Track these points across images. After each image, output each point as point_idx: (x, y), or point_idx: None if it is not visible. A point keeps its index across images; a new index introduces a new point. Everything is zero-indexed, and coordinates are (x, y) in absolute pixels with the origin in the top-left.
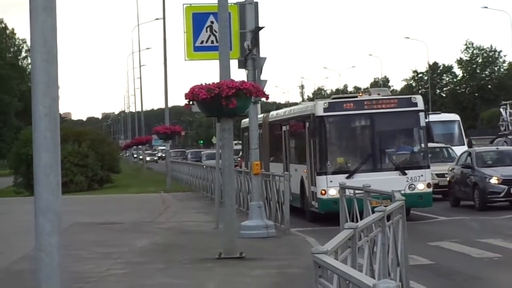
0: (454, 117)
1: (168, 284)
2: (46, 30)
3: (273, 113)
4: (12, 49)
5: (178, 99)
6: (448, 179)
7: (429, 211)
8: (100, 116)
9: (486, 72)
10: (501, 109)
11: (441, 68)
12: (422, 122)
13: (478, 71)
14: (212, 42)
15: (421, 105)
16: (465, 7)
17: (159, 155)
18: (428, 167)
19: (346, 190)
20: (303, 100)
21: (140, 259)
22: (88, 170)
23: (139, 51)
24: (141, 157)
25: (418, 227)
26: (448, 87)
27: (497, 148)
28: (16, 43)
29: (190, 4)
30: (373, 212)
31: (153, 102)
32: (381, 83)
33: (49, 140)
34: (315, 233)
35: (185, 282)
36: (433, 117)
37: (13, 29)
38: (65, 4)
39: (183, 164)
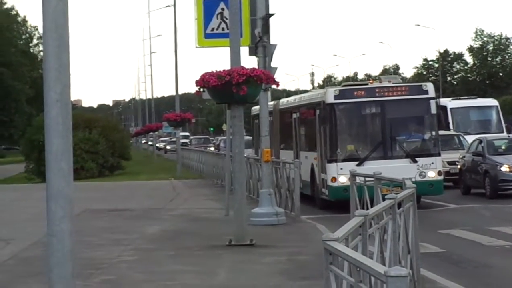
0: (492, 102)
1: (178, 271)
2: (57, 16)
3: (283, 100)
4: (23, 37)
5: (188, 87)
6: (459, 166)
7: (440, 199)
8: (111, 103)
9: (497, 60)
10: None
11: (451, 55)
12: (433, 110)
13: (489, 58)
14: (223, 29)
15: (432, 93)
16: None
17: (181, 142)
18: (439, 154)
19: (357, 177)
20: (313, 88)
21: (151, 246)
22: (99, 157)
23: (150, 38)
24: (158, 145)
25: (428, 215)
26: (459, 75)
27: (509, 136)
28: (28, 30)
29: None
30: (383, 199)
31: (164, 89)
32: (392, 71)
33: (60, 126)
34: (326, 221)
35: (195, 269)
36: (468, 102)
37: (24, 17)
38: None
39: (193, 151)
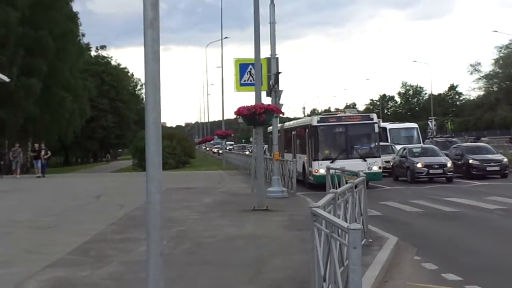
0: (414, 125)
1: (223, 224)
2: (153, 72)
3: (287, 123)
4: (132, 84)
5: (229, 115)
6: (391, 164)
7: (380, 183)
8: (183, 124)
9: (415, 100)
10: (429, 122)
11: (387, 97)
12: (377, 130)
13: (410, 99)
14: (251, 80)
15: (375, 120)
16: (402, 61)
17: (228, 148)
18: (380, 156)
19: (330, 170)
20: (304, 116)
21: (207, 209)
22: (176, 156)
23: (207, 85)
24: (213, 150)
25: (373, 193)
26: (392, 109)
27: (421, 146)
28: (134, 80)
29: (238, 58)
30: (346, 183)
31: (215, 116)
32: (351, 106)
33: (155, 138)
34: (312, 195)
35: (233, 223)
36: (400, 125)
37: (132, 73)
38: (165, 56)
39: (233, 154)
